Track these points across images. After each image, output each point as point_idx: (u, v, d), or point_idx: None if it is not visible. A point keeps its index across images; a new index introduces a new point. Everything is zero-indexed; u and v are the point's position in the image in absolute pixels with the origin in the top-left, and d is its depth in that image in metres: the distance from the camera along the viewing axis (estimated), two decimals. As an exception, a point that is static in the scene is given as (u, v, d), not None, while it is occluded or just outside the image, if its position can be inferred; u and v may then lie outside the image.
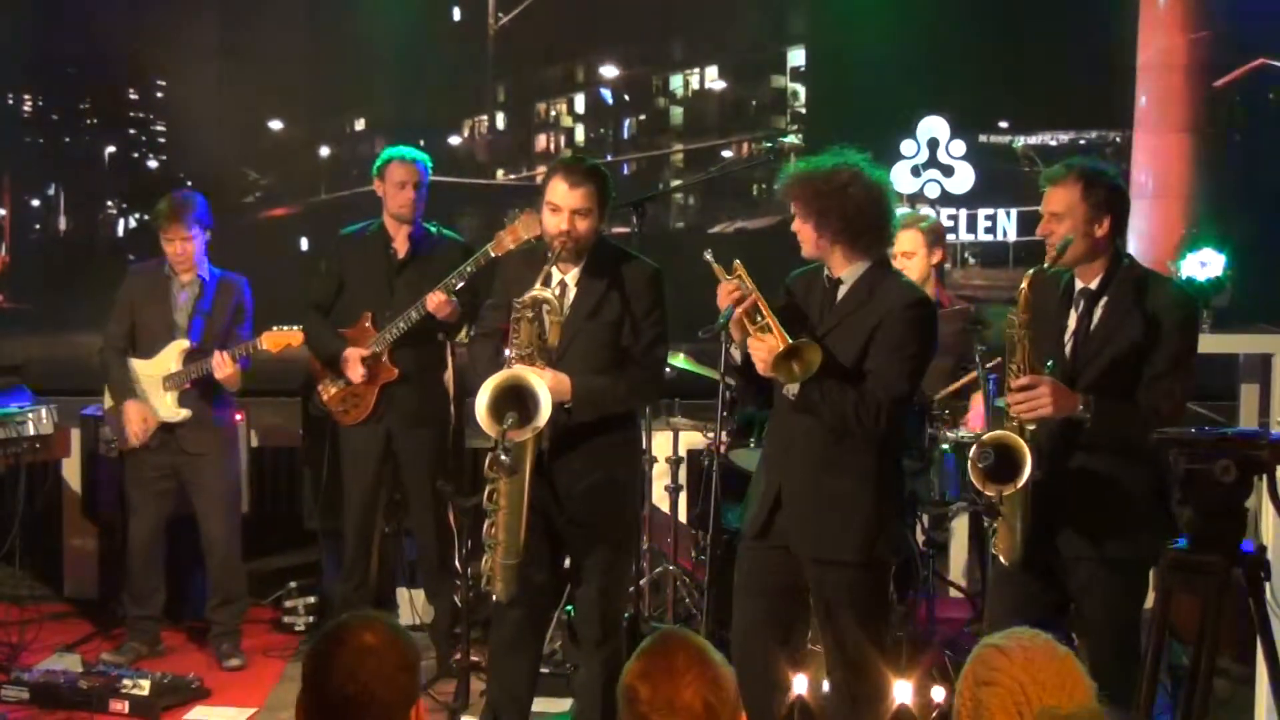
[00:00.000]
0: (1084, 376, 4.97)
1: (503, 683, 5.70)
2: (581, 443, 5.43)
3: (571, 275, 5.43)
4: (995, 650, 3.13)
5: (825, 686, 5.24)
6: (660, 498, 7.58)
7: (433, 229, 7.10)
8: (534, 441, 5.17)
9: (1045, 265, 5.04)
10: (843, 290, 5.09)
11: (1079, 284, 5.11)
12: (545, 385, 5.08)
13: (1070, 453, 5.02)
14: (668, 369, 7.04)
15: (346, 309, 7.11)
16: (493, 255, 6.50)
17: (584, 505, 5.46)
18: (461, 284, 6.69)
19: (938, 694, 5.73)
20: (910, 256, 6.80)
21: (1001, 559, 5.17)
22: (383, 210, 7.10)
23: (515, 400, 5.06)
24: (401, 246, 7.07)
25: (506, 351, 5.30)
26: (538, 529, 5.40)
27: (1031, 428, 4.94)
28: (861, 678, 5.10)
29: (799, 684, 6.06)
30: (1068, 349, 5.06)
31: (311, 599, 7.77)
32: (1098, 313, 5.05)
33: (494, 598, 5.42)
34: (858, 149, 5.18)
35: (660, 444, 7.54)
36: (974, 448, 5.02)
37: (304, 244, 10.10)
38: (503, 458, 4.96)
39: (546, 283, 5.26)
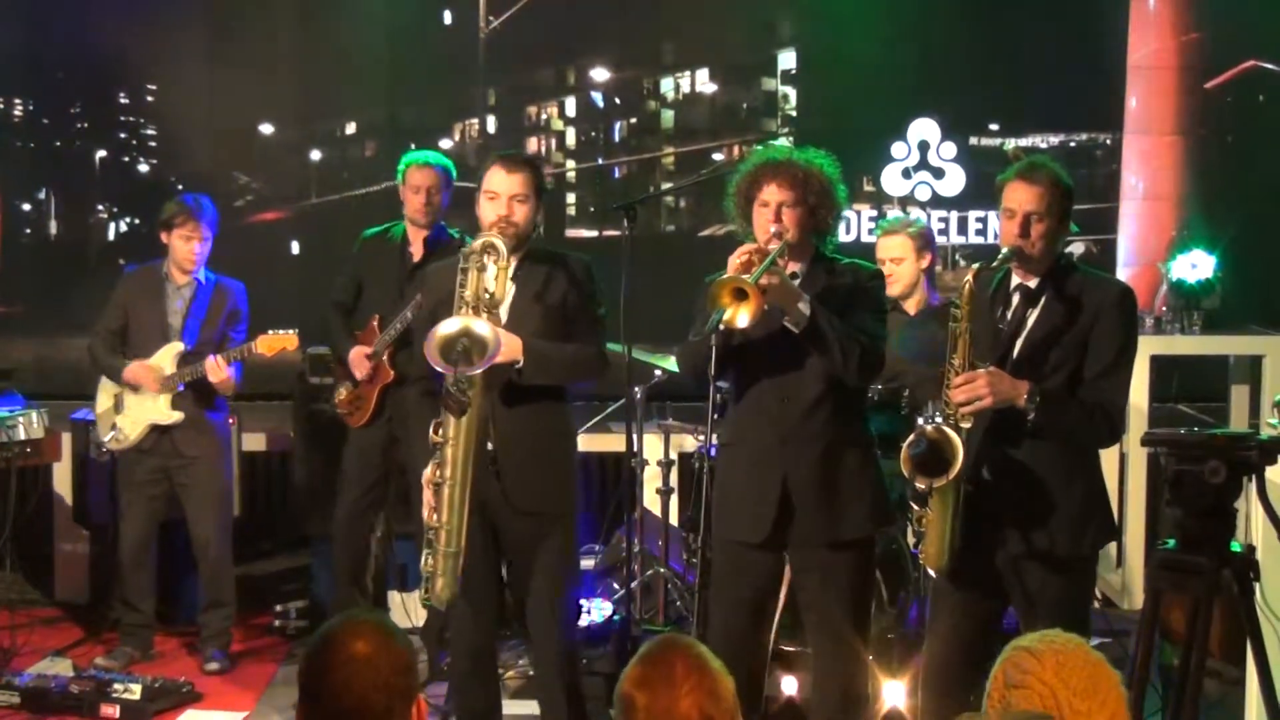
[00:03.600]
0: (1018, 374, 4.94)
1: (471, 708, 5.75)
2: (524, 432, 5.47)
3: (512, 266, 5.42)
4: (1026, 653, 3.11)
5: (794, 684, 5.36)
6: (651, 500, 7.58)
7: (455, 233, 7.13)
8: (476, 431, 5.18)
9: (994, 263, 5.04)
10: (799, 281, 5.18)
11: (1015, 280, 5.09)
12: (492, 329, 5.10)
13: (1012, 449, 5.00)
14: (659, 372, 7.07)
15: (362, 311, 7.20)
16: None
17: (529, 495, 5.48)
18: None
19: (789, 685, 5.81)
20: (899, 262, 6.80)
21: (928, 566, 5.19)
22: (404, 213, 7.17)
23: (463, 348, 5.07)
24: (417, 250, 7.13)
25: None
26: (482, 534, 5.44)
27: (967, 425, 4.90)
28: (857, 663, 5.28)
29: (789, 685, 6.11)
30: (1001, 346, 5.03)
31: (303, 603, 7.78)
32: (1036, 311, 5.03)
33: (434, 604, 5.39)
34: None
35: (652, 447, 7.54)
36: (909, 438, 5.02)
37: (295, 248, 10.10)
38: (451, 389, 4.97)
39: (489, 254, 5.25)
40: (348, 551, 7.25)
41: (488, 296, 5.22)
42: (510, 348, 5.29)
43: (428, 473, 5.23)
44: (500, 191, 5.45)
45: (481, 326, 5.11)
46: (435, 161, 7.12)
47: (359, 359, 7.03)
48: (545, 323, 5.49)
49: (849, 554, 5.22)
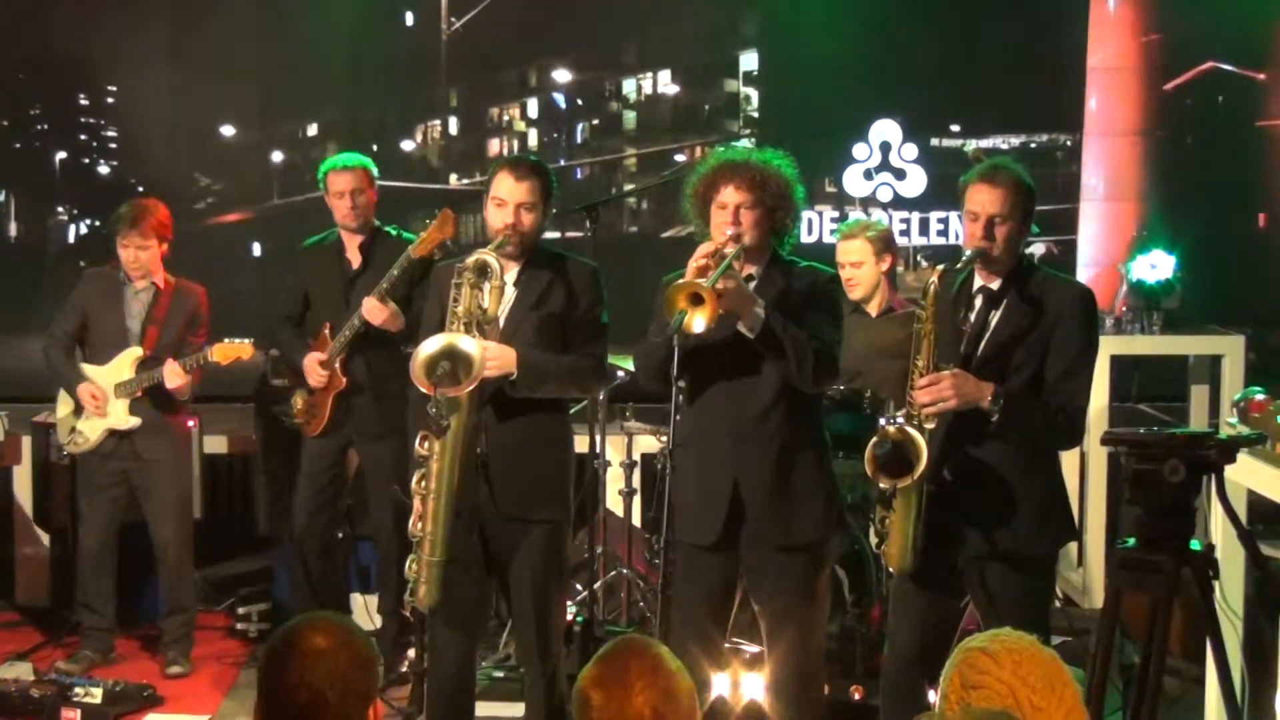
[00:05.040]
0: (981, 377, 4.95)
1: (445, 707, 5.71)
2: (516, 441, 5.42)
3: (511, 274, 5.39)
4: (981, 654, 3.12)
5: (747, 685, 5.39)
6: (614, 502, 7.58)
7: (392, 232, 7.08)
8: (464, 442, 5.15)
9: (959, 265, 5.06)
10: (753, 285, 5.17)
11: (978, 282, 5.11)
12: (479, 348, 5.06)
13: (974, 449, 5.02)
14: (621, 374, 7.06)
15: (312, 321, 7.13)
16: (413, 257, 6.54)
17: (520, 502, 5.44)
18: (387, 286, 6.68)
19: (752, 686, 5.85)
20: (859, 266, 6.80)
21: (890, 568, 5.20)
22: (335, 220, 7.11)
23: (449, 365, 5.04)
24: (354, 256, 7.06)
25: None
26: (470, 544, 5.41)
27: (930, 426, 4.91)
28: (814, 662, 5.32)
29: (752, 686, 6.11)
30: (964, 348, 5.05)
31: (265, 605, 7.75)
32: (999, 312, 5.05)
33: (418, 607, 5.38)
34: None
35: (614, 448, 7.55)
36: (873, 439, 5.03)
37: (257, 250, 10.07)
38: (431, 411, 4.94)
39: (482, 272, 5.22)
40: (307, 555, 7.22)
41: (480, 312, 5.18)
42: (503, 360, 5.24)
43: (414, 484, 5.20)
44: (508, 199, 5.36)
45: (468, 344, 5.06)
46: (354, 163, 7.03)
47: (313, 366, 6.95)
48: (542, 332, 5.42)
49: (801, 556, 5.22)
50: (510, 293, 5.37)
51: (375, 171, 7.09)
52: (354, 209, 6.98)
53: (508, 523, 5.45)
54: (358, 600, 7.55)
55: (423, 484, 5.16)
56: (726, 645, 5.55)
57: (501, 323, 5.31)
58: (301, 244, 7.30)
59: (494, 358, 5.17)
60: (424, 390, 4.98)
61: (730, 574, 5.29)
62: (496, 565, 5.55)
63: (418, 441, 5.12)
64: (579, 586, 7.24)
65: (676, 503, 5.25)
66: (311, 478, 7.14)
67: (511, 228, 5.34)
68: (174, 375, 6.96)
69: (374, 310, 6.70)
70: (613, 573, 7.26)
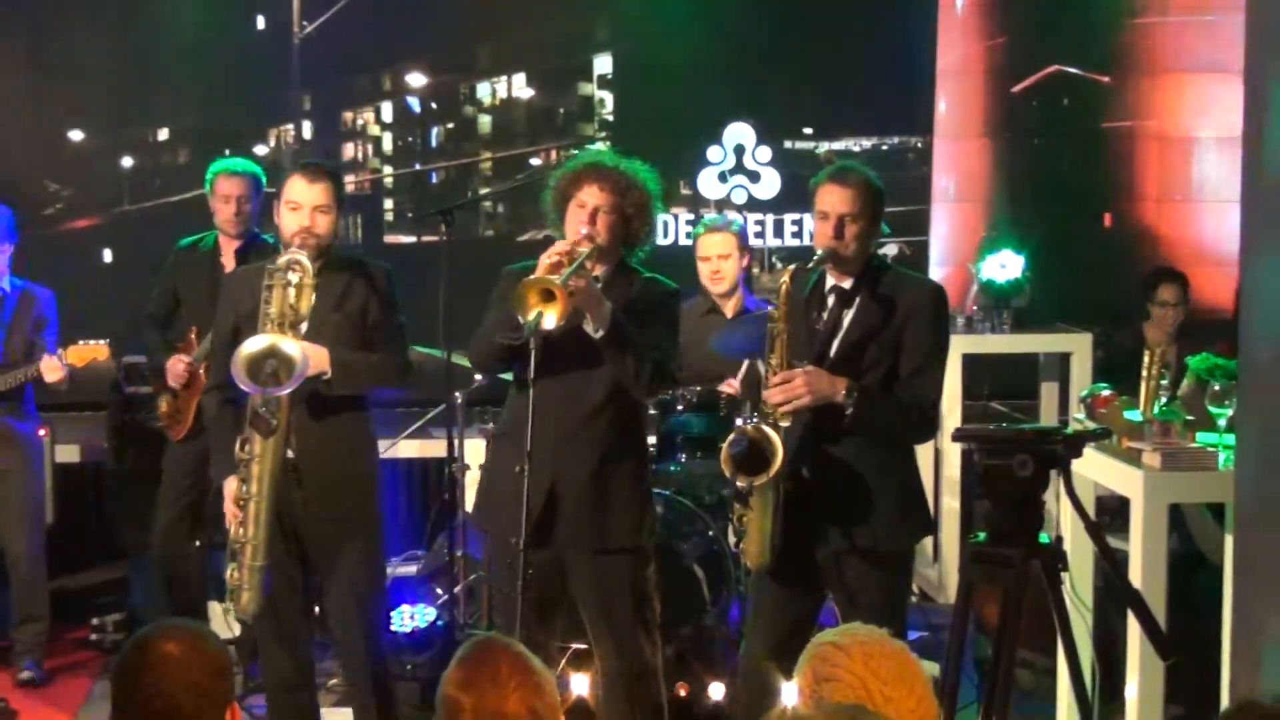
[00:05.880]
0: (838, 374, 5.01)
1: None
2: (325, 443, 5.46)
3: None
4: (832, 647, 3.14)
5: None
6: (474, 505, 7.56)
7: (269, 239, 7.03)
8: (280, 444, 5.17)
9: (810, 264, 5.10)
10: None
11: (830, 281, 5.17)
12: (299, 348, 5.10)
13: (831, 446, 5.07)
14: (479, 378, 7.04)
15: (180, 323, 7.08)
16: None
17: (331, 500, 5.47)
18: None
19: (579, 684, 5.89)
20: (725, 259, 6.88)
21: (749, 564, 5.23)
22: (215, 223, 7.08)
23: (272, 369, 5.07)
24: (229, 261, 7.02)
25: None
26: (285, 547, 5.43)
27: (786, 424, 4.97)
28: (640, 663, 5.32)
29: (579, 684, 6.14)
30: (818, 346, 5.11)
31: (120, 615, 7.65)
32: (851, 311, 5.11)
33: (240, 616, 5.40)
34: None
35: (473, 452, 7.50)
36: (729, 437, 5.07)
37: (107, 256, 9.93)
38: (262, 410, 4.98)
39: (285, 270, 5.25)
40: (166, 564, 7.14)
41: (293, 312, 5.20)
42: (317, 360, 5.28)
43: (233, 487, 5.20)
44: (302, 202, 5.42)
45: (290, 345, 5.10)
46: (244, 169, 7.04)
47: (176, 367, 6.93)
48: (345, 332, 5.47)
49: (620, 558, 5.25)
50: (309, 293, 5.37)
51: (264, 181, 7.10)
52: (238, 215, 6.98)
53: (321, 524, 5.49)
54: (215, 609, 7.46)
55: (244, 487, 5.18)
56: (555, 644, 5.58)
57: (304, 327, 5.31)
58: (176, 245, 7.26)
59: (310, 357, 5.19)
60: (246, 390, 5.03)
61: (550, 571, 5.25)
62: (311, 569, 5.61)
63: (238, 445, 5.16)
64: (439, 590, 7.23)
65: (490, 491, 5.34)
66: (173, 483, 7.09)
67: (307, 231, 5.37)
68: (53, 369, 6.80)
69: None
70: (473, 576, 7.24)
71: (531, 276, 4.90)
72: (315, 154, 9.96)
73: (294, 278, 5.22)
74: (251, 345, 5.10)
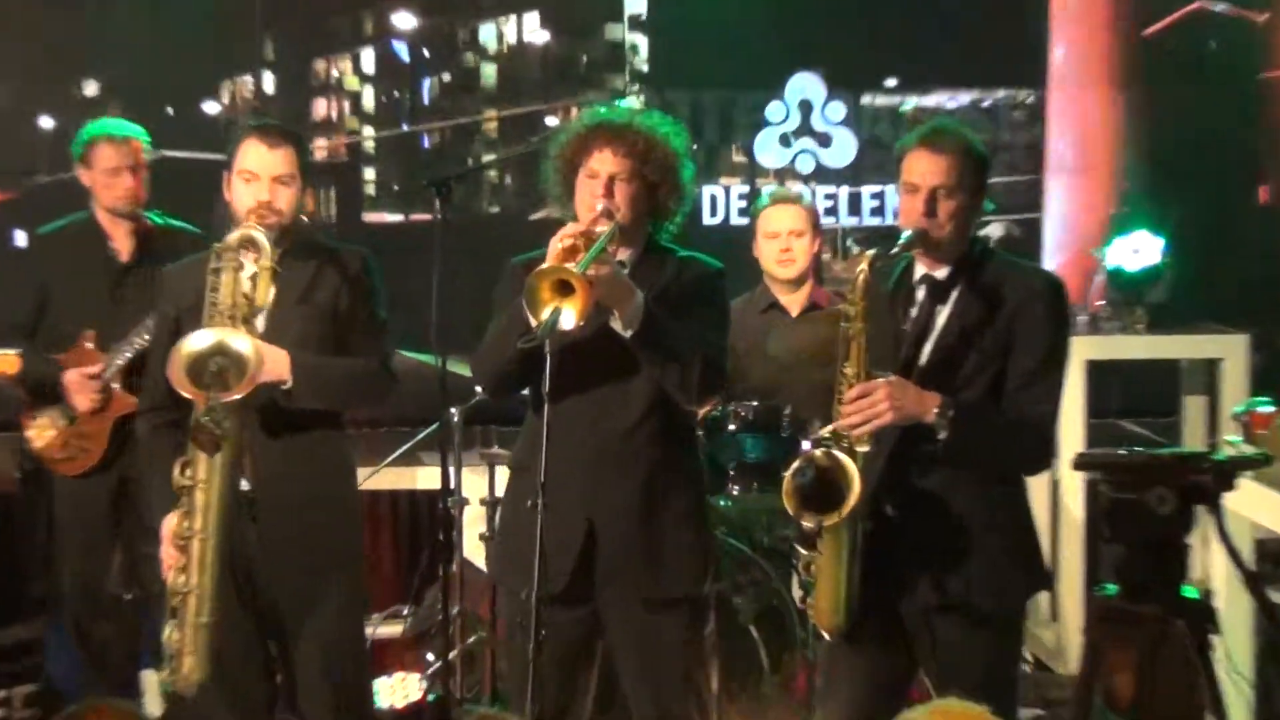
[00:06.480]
0: (926, 386, 4.94)
1: None
2: (289, 469, 5.44)
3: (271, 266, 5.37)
4: None
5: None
6: (474, 550, 7.53)
7: (157, 220, 7.02)
8: (229, 467, 5.12)
9: (895, 249, 5.00)
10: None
11: (920, 270, 5.12)
12: (252, 346, 5.07)
13: (920, 477, 5.01)
14: (480, 390, 7.02)
15: (57, 328, 6.96)
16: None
17: (297, 542, 5.43)
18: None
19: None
20: (799, 236, 6.86)
21: (819, 624, 5.15)
22: (92, 202, 7.01)
23: (218, 368, 5.04)
24: (124, 246, 6.99)
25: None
26: (240, 599, 5.39)
27: (864, 449, 4.90)
28: None
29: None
30: (904, 352, 5.06)
31: (32, 687, 7.65)
32: (946, 308, 5.06)
33: (177, 689, 5.27)
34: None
35: (473, 483, 7.49)
36: (793, 465, 4.97)
37: (19, 238, 9.95)
38: (204, 420, 4.92)
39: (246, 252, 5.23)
40: (83, 626, 7.11)
41: (246, 303, 5.18)
42: (275, 364, 5.25)
43: (172, 524, 5.17)
44: (259, 172, 5.41)
45: (240, 341, 5.07)
46: (132, 132, 7.01)
47: (82, 383, 6.81)
48: (311, 330, 5.47)
49: (675, 614, 5.24)
50: (267, 288, 5.35)
51: (150, 145, 7.07)
52: (133, 189, 6.94)
53: (285, 571, 5.45)
54: (150, 679, 7.45)
55: (185, 523, 5.13)
56: None
57: (262, 320, 5.33)
58: (36, 232, 7.25)
59: (266, 359, 5.16)
60: (188, 396, 4.98)
61: (585, 630, 5.26)
62: (273, 629, 5.55)
63: (178, 469, 5.10)
64: (430, 656, 7.21)
65: (509, 539, 5.33)
66: (77, 526, 7.02)
67: (266, 206, 5.37)
68: None
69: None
70: (473, 639, 7.22)
71: (541, 266, 4.86)
72: (280, 114, 9.99)
73: (246, 259, 5.20)
74: (194, 342, 5.07)
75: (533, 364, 5.05)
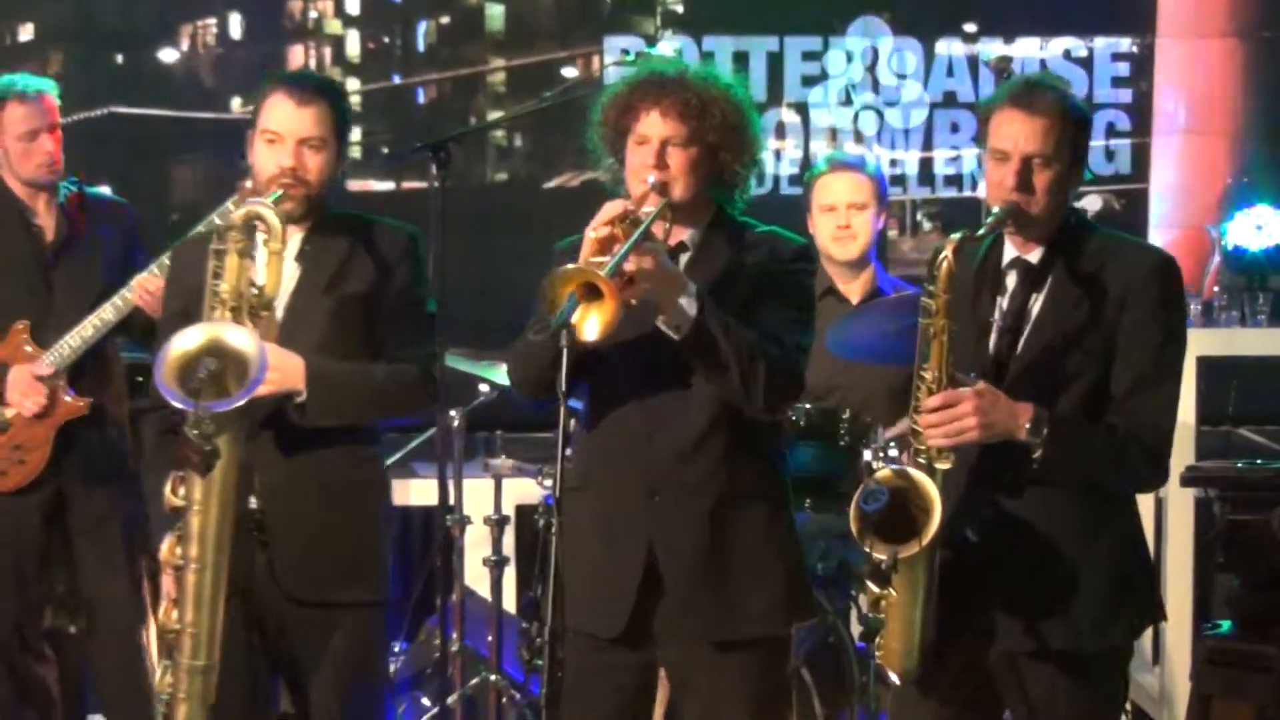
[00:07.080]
0: (1021, 389, 4.88)
1: None
2: (305, 488, 5.41)
3: (293, 244, 5.39)
4: None
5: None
6: (477, 576, 7.58)
7: (73, 186, 7.06)
8: (233, 485, 5.09)
9: (982, 231, 4.94)
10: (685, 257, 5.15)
11: (1010, 252, 5.06)
12: (254, 343, 5.00)
13: (1011, 499, 4.96)
14: (485, 389, 7.07)
15: None
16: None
17: (314, 579, 5.41)
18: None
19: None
20: (861, 210, 6.88)
21: (888, 669, 5.11)
22: (3, 173, 6.98)
23: (215, 367, 4.96)
24: (49, 223, 7.01)
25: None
26: (244, 638, 5.39)
27: (945, 466, 4.83)
28: None
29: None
30: (993, 350, 5.02)
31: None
32: (1041, 296, 4.98)
33: None
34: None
35: (477, 498, 7.53)
36: (860, 488, 4.89)
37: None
38: (193, 434, 4.83)
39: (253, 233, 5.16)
40: (14, 669, 7.13)
41: (254, 293, 5.12)
42: (286, 373, 5.23)
43: (164, 551, 5.14)
44: (284, 133, 5.36)
45: (239, 337, 5.02)
46: (44, 86, 7.00)
47: (30, 384, 6.82)
48: (338, 327, 5.42)
49: (749, 657, 5.17)
50: (292, 269, 5.37)
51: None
52: (53, 154, 6.92)
53: (297, 609, 5.44)
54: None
55: (178, 551, 5.10)
56: None
57: (280, 313, 5.32)
58: None
59: (273, 367, 5.12)
60: (175, 404, 4.93)
61: (646, 678, 5.26)
62: (283, 670, 5.56)
63: (169, 488, 5.06)
64: (426, 701, 7.26)
65: (566, 576, 5.27)
66: (8, 550, 6.99)
67: (291, 173, 5.33)
68: None
69: (158, 292, 6.37)
70: (475, 679, 7.28)
71: (565, 267, 4.74)
72: (248, 61, 10.05)
73: (260, 241, 5.14)
74: (185, 339, 5.02)
75: (580, 368, 4.91)
